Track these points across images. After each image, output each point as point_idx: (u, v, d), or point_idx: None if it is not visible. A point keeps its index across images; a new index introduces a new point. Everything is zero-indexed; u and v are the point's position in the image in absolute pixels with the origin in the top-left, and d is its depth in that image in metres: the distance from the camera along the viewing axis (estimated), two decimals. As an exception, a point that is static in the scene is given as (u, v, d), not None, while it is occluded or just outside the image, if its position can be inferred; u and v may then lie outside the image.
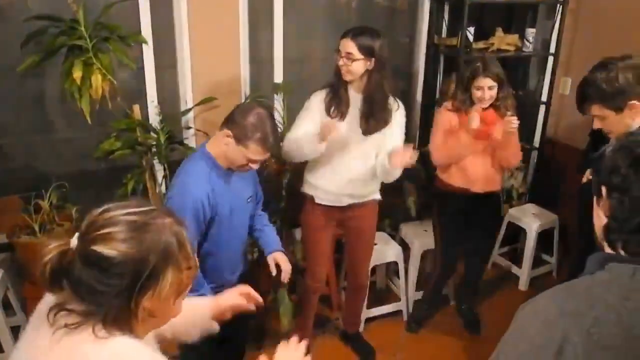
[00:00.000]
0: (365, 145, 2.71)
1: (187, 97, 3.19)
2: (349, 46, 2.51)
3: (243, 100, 3.27)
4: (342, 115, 2.62)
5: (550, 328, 1.08)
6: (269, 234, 2.53)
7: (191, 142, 3.25)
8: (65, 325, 1.09)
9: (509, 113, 2.94)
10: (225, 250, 2.32)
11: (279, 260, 2.45)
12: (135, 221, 1.10)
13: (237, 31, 3.19)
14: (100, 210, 1.13)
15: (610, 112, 2.07)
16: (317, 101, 2.67)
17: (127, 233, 1.09)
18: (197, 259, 1.23)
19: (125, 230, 1.09)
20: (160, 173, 3.16)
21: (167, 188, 3.10)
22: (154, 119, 3.12)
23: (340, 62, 2.55)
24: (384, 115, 2.65)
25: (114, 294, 1.07)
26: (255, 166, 2.19)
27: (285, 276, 2.46)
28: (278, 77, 3.44)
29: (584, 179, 3.24)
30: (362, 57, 2.51)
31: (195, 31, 3.08)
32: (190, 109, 3.15)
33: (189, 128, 3.22)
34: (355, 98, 2.63)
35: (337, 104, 2.62)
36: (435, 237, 3.38)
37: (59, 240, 1.11)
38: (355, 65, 2.52)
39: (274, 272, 2.45)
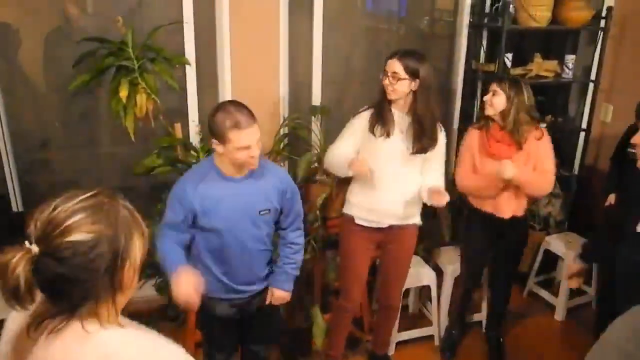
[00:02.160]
0: (407, 167, 2.73)
1: (227, 117, 3.27)
2: (395, 66, 2.57)
3: (281, 122, 3.34)
4: (387, 134, 2.66)
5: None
6: (280, 274, 2.50)
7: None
8: (51, 331, 1.11)
9: (522, 140, 2.89)
10: (234, 258, 2.33)
11: (275, 294, 2.49)
12: (90, 205, 1.12)
13: (277, 53, 3.28)
14: (49, 209, 1.11)
15: None
16: (361, 120, 2.72)
17: (91, 217, 1.11)
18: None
19: (88, 214, 1.11)
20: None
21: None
22: (195, 138, 3.21)
23: (386, 82, 2.60)
24: (433, 137, 2.69)
25: (99, 276, 1.09)
26: (253, 151, 2.13)
27: (269, 302, 2.51)
28: (316, 99, 3.51)
29: (607, 203, 3.21)
30: (407, 77, 2.56)
31: (236, 53, 3.17)
32: (229, 129, 3.24)
33: (227, 147, 3.29)
34: (399, 117, 2.67)
35: (382, 123, 2.66)
36: (461, 257, 3.38)
37: (11, 253, 1.06)
38: (400, 84, 2.57)
39: (267, 302, 2.50)
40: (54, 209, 1.11)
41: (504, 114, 2.90)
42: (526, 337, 3.63)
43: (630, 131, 3.07)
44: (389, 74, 2.59)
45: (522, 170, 2.89)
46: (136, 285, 1.23)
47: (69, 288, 1.09)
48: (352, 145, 2.73)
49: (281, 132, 3.30)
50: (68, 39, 3.07)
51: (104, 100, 3.07)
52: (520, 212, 3.08)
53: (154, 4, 3.24)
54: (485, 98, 2.94)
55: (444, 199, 2.60)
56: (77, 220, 1.09)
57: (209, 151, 3.12)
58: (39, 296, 1.12)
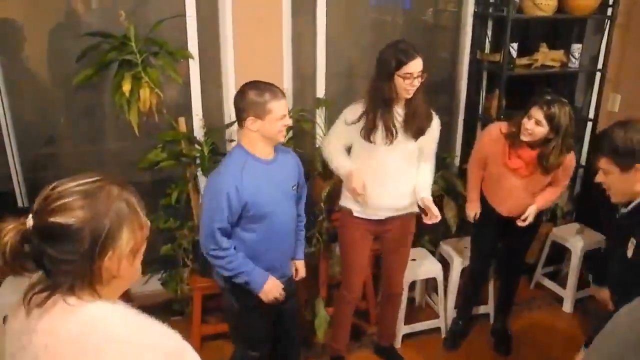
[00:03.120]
0: (406, 160, 2.72)
1: (231, 110, 3.25)
2: (420, 63, 2.51)
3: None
4: (392, 137, 2.61)
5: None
6: (300, 246, 2.66)
7: (234, 154, 3.32)
8: (38, 305, 1.14)
9: (549, 169, 2.85)
10: (277, 242, 2.40)
11: (299, 267, 2.66)
12: (86, 190, 1.16)
13: (281, 46, 3.26)
14: (50, 186, 1.17)
15: (615, 168, 2.05)
16: (354, 113, 2.66)
17: (81, 201, 1.14)
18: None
19: (78, 198, 1.14)
20: (203, 184, 3.24)
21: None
22: (199, 132, 3.21)
23: (415, 83, 2.51)
24: (428, 116, 2.68)
25: (77, 259, 1.12)
26: (288, 121, 2.28)
27: (299, 278, 2.68)
28: (320, 92, 3.49)
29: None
30: (423, 72, 2.55)
31: (240, 46, 3.16)
32: (233, 122, 3.21)
33: (232, 141, 3.29)
34: (399, 115, 2.64)
35: (386, 130, 2.60)
36: (471, 248, 3.39)
37: (13, 222, 1.14)
38: (419, 81, 2.55)
39: (295, 276, 2.64)
40: (54, 188, 1.16)
41: (542, 144, 2.80)
42: (533, 329, 3.62)
43: None
44: (415, 75, 2.50)
45: (540, 202, 2.98)
46: (131, 277, 1.24)
47: (51, 265, 1.13)
48: (345, 142, 2.76)
49: (285, 125, 3.30)
50: (72, 34, 3.07)
51: (108, 95, 3.06)
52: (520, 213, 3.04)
53: (157, -2, 3.24)
54: (527, 126, 2.75)
55: (435, 219, 2.66)
56: (66, 202, 1.13)
57: (213, 144, 3.12)
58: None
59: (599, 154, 2.11)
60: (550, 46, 3.78)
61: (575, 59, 3.79)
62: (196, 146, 3.14)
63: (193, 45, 3.13)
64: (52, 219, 1.12)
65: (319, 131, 3.39)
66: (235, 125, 3.20)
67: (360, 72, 3.77)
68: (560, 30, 4.04)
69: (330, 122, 3.35)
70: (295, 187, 2.45)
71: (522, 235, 3.18)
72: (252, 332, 2.53)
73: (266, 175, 2.29)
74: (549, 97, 2.75)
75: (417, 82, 2.52)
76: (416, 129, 2.64)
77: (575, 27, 4.01)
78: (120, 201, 1.18)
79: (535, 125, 2.74)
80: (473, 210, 3.16)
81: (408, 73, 2.49)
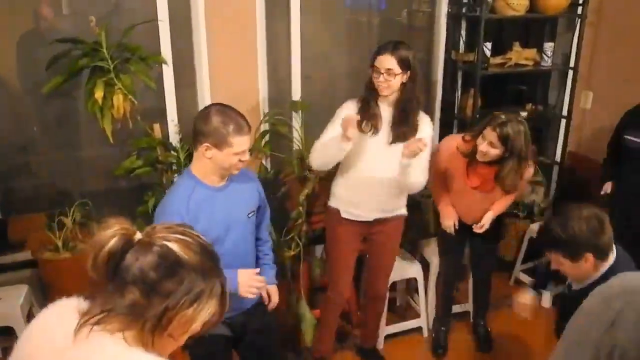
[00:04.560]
0: (394, 159, 2.72)
1: (207, 115, 3.24)
2: (390, 62, 2.51)
3: (262, 118, 3.31)
4: (375, 129, 2.64)
5: (608, 302, 1.16)
6: (268, 270, 2.48)
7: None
8: (97, 322, 1.08)
9: (505, 190, 2.87)
10: (234, 257, 2.25)
11: (272, 293, 2.46)
12: (203, 244, 1.17)
13: (255, 49, 3.25)
14: (177, 223, 1.20)
15: (565, 260, 2.01)
16: (347, 109, 2.69)
17: (199, 249, 1.15)
18: None
19: (198, 247, 1.15)
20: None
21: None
22: (174, 138, 3.17)
23: (381, 79, 2.54)
24: (414, 124, 2.67)
25: (160, 292, 1.09)
26: (246, 157, 2.12)
27: (272, 307, 2.48)
28: (296, 95, 3.48)
29: (603, 192, 3.23)
30: (401, 71, 2.53)
31: (214, 50, 3.14)
32: (209, 127, 3.20)
33: (208, 146, 3.26)
34: (386, 111, 2.65)
35: (370, 119, 2.63)
36: (438, 250, 3.40)
37: (117, 225, 1.11)
38: (396, 80, 2.54)
39: (266, 302, 2.45)
40: (180, 225, 1.20)
41: (499, 162, 2.79)
42: (513, 325, 3.65)
43: (629, 116, 3.09)
44: (382, 71, 2.53)
45: (496, 208, 3.01)
46: (175, 346, 1.19)
47: (127, 282, 1.09)
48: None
49: (262, 129, 3.28)
50: (42, 41, 3.02)
51: (81, 102, 3.02)
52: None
53: (129, 3, 3.20)
54: (483, 148, 2.74)
55: (416, 143, 2.47)
56: (188, 241, 1.15)
57: (189, 151, 3.09)
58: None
59: (546, 249, 2.08)
60: (523, 45, 3.82)
61: (548, 57, 3.84)
62: (172, 152, 3.11)
63: (166, 51, 3.09)
64: (169, 244, 1.11)
65: (295, 134, 3.38)
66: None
67: (336, 74, 3.77)
68: (533, 29, 4.09)
69: (306, 124, 3.35)
70: (252, 213, 2.31)
71: (489, 236, 3.18)
72: None
73: (213, 203, 2.15)
74: (503, 117, 2.71)
75: (384, 79, 2.53)
76: (398, 134, 2.65)
77: (547, 26, 4.06)
78: (221, 282, 1.18)
79: (489, 146, 2.72)
80: (451, 218, 3.06)
81: (375, 66, 2.54)
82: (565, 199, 4.22)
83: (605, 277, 1.95)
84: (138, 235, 1.13)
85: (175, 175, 3.12)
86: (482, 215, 3.02)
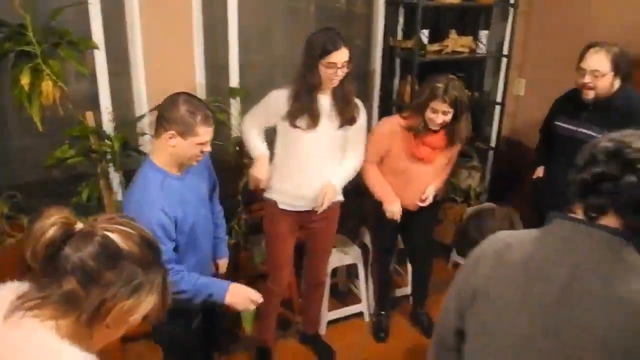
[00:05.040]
0: (333, 150, 2.73)
1: (142, 103, 3.15)
2: (345, 54, 2.52)
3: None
4: (315, 124, 2.62)
5: (475, 253, 1.47)
6: (223, 245, 2.58)
7: (147, 148, 3.21)
8: (31, 308, 1.08)
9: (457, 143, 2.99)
10: (200, 250, 2.30)
11: (220, 264, 2.62)
12: (146, 237, 1.17)
13: (191, 35, 3.18)
14: (119, 214, 1.20)
15: None
16: (277, 101, 2.65)
17: (139, 241, 1.14)
18: None
19: (140, 239, 1.14)
20: (115, 180, 3.12)
21: (123, 196, 3.06)
22: (108, 126, 3.07)
23: (339, 73, 2.52)
24: (353, 108, 2.70)
25: (99, 282, 1.08)
26: (208, 148, 2.12)
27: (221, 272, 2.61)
28: (234, 82, 3.43)
29: (535, 175, 3.34)
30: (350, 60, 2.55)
31: (148, 36, 3.05)
32: (143, 115, 3.12)
33: (144, 134, 3.18)
34: (324, 101, 2.64)
35: (309, 115, 2.60)
36: (370, 239, 3.41)
37: (59, 214, 1.10)
38: (347, 69, 2.55)
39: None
40: (123, 216, 1.19)
41: (452, 125, 2.87)
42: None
43: (559, 102, 3.19)
44: (339, 65, 2.50)
45: (437, 182, 3.09)
46: (115, 336, 1.19)
47: (65, 272, 1.08)
48: (263, 121, 2.75)
49: (199, 117, 3.22)
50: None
51: (7, 89, 2.87)
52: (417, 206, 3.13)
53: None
54: (437, 119, 2.79)
55: (318, 206, 2.71)
56: (129, 232, 1.13)
57: (124, 139, 3.00)
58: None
59: (465, 253, 2.15)
60: (459, 32, 3.89)
61: (483, 44, 3.93)
62: (106, 141, 3.00)
63: (98, 35, 2.98)
64: (110, 234, 1.10)
65: (234, 121, 3.33)
66: (147, 118, 3.14)
67: (274, 61, 3.74)
68: (469, 17, 4.16)
69: (244, 111, 3.30)
70: (208, 191, 2.36)
71: (424, 223, 3.24)
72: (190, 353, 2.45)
73: (183, 191, 2.15)
74: (441, 85, 2.76)
75: (340, 72, 2.53)
76: (347, 118, 2.66)
77: (482, 14, 4.14)
78: (163, 276, 1.18)
79: (443, 116, 2.79)
80: (396, 203, 3.04)
81: (332, 62, 2.50)
82: (500, 183, 4.35)
83: None
84: (79, 225, 1.12)
85: (110, 164, 3.03)
86: (419, 196, 3.07)
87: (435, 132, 2.89)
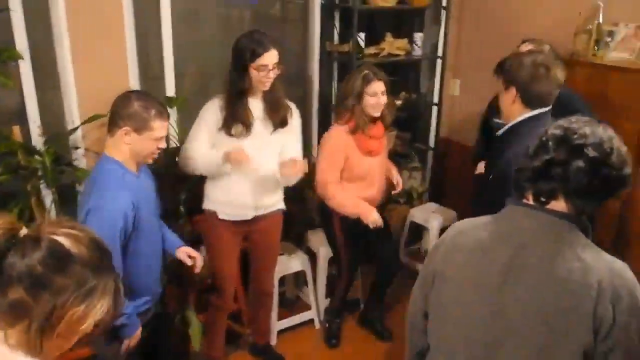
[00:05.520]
0: (267, 155, 2.68)
1: (73, 115, 3.00)
2: (275, 56, 2.49)
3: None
4: (248, 130, 2.57)
5: (439, 238, 1.63)
6: (169, 234, 2.47)
7: (81, 163, 3.06)
8: None
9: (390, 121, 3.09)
10: (154, 254, 2.25)
11: (190, 252, 2.42)
12: (96, 241, 1.12)
13: (124, 44, 3.05)
14: (66, 218, 1.14)
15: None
16: (211, 113, 2.60)
17: (90, 245, 1.10)
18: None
19: (89, 242, 1.10)
20: (48, 198, 2.95)
21: (57, 213, 2.91)
22: (37, 141, 2.91)
23: (271, 75, 2.50)
24: (285, 110, 2.68)
25: (48, 288, 1.02)
26: (164, 144, 2.14)
27: (199, 266, 2.45)
28: (170, 91, 3.33)
29: (477, 171, 3.40)
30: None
31: (78, 45, 2.90)
32: (76, 128, 2.97)
33: (77, 148, 3.03)
34: (255, 106, 2.60)
35: (241, 122, 2.55)
36: (335, 247, 3.34)
37: (7, 218, 1.05)
38: (276, 72, 2.52)
39: (189, 263, 2.41)
40: (69, 220, 1.13)
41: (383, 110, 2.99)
42: (403, 308, 3.73)
43: (495, 101, 3.26)
44: (270, 67, 2.48)
45: (393, 169, 3.16)
46: (67, 346, 1.11)
47: (10, 281, 1.01)
48: (208, 138, 2.63)
49: (136, 127, 3.10)
50: None
51: None
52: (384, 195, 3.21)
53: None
54: (380, 101, 2.92)
55: (296, 166, 2.55)
56: (79, 235, 1.09)
57: (55, 154, 2.85)
58: None
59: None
60: (395, 35, 3.93)
61: (418, 47, 3.99)
62: (36, 157, 2.84)
63: (22, 45, 2.82)
64: (58, 238, 1.05)
65: (172, 131, 3.23)
66: (80, 131, 3.00)
67: (210, 69, 3.66)
68: (403, 20, 4.22)
69: (182, 121, 3.21)
70: (155, 193, 2.32)
71: (383, 231, 3.23)
72: None
73: (140, 188, 2.12)
74: (367, 70, 2.95)
75: (272, 74, 2.50)
76: (279, 120, 2.64)
77: (416, 17, 4.20)
78: (114, 279, 1.13)
79: (383, 95, 2.92)
80: (374, 212, 3.00)
81: (262, 65, 2.46)
82: (440, 182, 4.42)
83: None
84: (24, 231, 1.06)
85: (41, 181, 2.87)
86: (379, 190, 3.13)
87: (374, 123, 2.98)
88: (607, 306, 1.30)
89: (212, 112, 2.60)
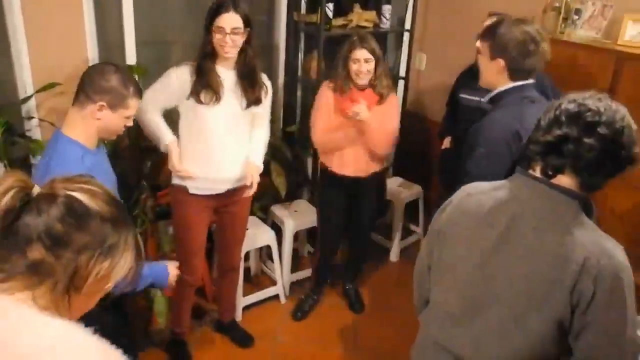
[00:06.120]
0: (239, 127, 2.61)
1: (26, 84, 2.84)
2: (236, 20, 2.37)
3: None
4: (217, 99, 2.48)
5: (448, 200, 1.69)
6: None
7: (35, 133, 2.91)
8: None
9: (384, 92, 2.99)
10: None
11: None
12: (110, 194, 1.09)
13: (81, 10, 2.88)
14: (78, 174, 1.10)
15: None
16: (180, 79, 2.49)
17: (107, 199, 1.06)
18: None
19: (106, 197, 1.06)
20: (0, 171, 2.81)
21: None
22: (-13, 116, 2.75)
23: (227, 39, 2.38)
24: (260, 88, 2.59)
25: (70, 246, 0.99)
26: (131, 122, 2.05)
27: None
28: (130, 59, 3.19)
29: (443, 146, 3.41)
30: (244, 29, 2.41)
31: (30, 10, 2.73)
32: (30, 97, 2.81)
33: (30, 118, 2.87)
34: (226, 75, 2.50)
35: (210, 88, 2.46)
36: (318, 219, 3.37)
37: (12, 178, 0.99)
38: (239, 39, 2.41)
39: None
40: (84, 175, 1.10)
41: (375, 75, 2.96)
42: (369, 283, 3.76)
43: (462, 76, 3.24)
44: (227, 31, 2.36)
45: (373, 119, 2.95)
46: (92, 304, 1.11)
47: (29, 241, 0.98)
48: (164, 101, 2.54)
49: (94, 97, 2.95)
50: None
51: None
52: (375, 168, 3.15)
53: None
54: (362, 68, 2.90)
55: (247, 192, 2.65)
56: (95, 190, 1.05)
57: (6, 125, 2.69)
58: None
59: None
60: (363, 7, 3.85)
61: (387, 19, 3.92)
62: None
63: (-32, 8, 2.64)
64: (69, 192, 1.01)
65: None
66: (34, 100, 2.84)
67: (171, 37, 3.52)
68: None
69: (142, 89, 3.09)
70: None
71: (370, 198, 3.26)
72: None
73: (100, 168, 2.01)
74: (356, 37, 2.96)
75: (230, 40, 2.39)
76: (254, 98, 2.56)
77: (384, -11, 4.12)
78: (133, 234, 1.10)
79: (366, 63, 2.89)
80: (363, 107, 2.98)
81: (219, 27, 2.37)
82: (406, 157, 4.41)
83: None
84: (37, 189, 1.02)
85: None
86: (361, 157, 3.08)
87: (362, 90, 2.95)
88: (588, 283, 1.34)
89: (181, 77, 2.49)
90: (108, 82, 1.92)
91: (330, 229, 3.34)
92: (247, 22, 2.41)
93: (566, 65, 3.06)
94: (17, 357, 0.90)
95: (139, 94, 2.03)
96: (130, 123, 2.05)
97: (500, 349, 1.46)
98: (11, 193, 0.98)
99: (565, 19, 3.24)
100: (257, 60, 2.56)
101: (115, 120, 1.98)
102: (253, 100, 2.55)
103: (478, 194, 1.58)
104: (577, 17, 3.22)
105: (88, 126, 1.94)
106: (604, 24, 3.15)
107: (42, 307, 0.99)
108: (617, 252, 1.38)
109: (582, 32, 3.19)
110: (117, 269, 1.06)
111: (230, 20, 2.36)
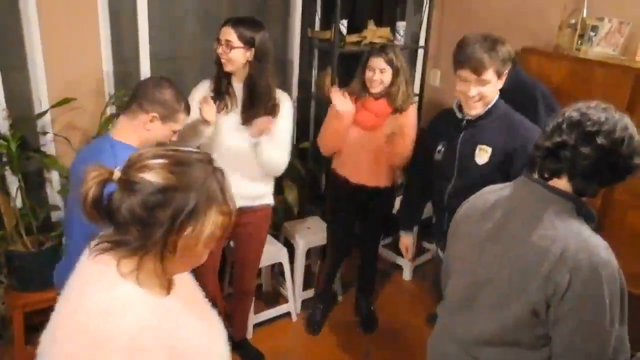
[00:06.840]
0: (243, 141, 2.59)
1: (42, 98, 2.85)
2: (229, 34, 2.43)
3: (107, 100, 2.99)
4: (226, 107, 2.53)
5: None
6: None
7: (50, 149, 2.92)
8: (102, 251, 1.14)
9: (399, 104, 2.92)
10: None
11: None
12: (180, 158, 1.14)
13: (97, 26, 2.91)
14: (140, 150, 1.16)
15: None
16: (197, 90, 2.60)
17: (172, 167, 1.12)
18: None
19: (170, 163, 1.12)
20: (14, 185, 2.81)
21: (23, 202, 2.78)
22: (3, 125, 2.76)
23: (220, 50, 2.46)
24: (267, 106, 2.54)
25: (153, 224, 1.09)
26: (176, 137, 2.11)
27: None
28: (145, 74, 3.20)
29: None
30: (241, 45, 2.43)
31: (48, 25, 2.76)
32: (45, 112, 2.82)
33: (45, 133, 2.89)
34: (239, 90, 2.54)
35: (220, 96, 2.54)
36: (327, 221, 3.38)
37: (99, 170, 1.13)
38: (234, 53, 2.44)
39: None
40: (144, 150, 1.16)
41: (389, 87, 2.91)
42: (381, 301, 3.71)
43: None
44: (222, 42, 2.45)
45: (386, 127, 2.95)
46: (197, 261, 1.21)
47: (125, 221, 1.11)
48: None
49: (108, 112, 2.96)
50: None
51: None
52: (380, 182, 3.10)
53: None
54: (375, 77, 2.87)
55: (264, 122, 2.45)
56: (157, 163, 1.12)
57: (21, 139, 2.70)
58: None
59: None
60: (377, 23, 3.84)
61: (401, 36, 3.91)
62: (1, 141, 2.70)
63: (-14, 24, 2.66)
64: (140, 175, 1.10)
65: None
66: (49, 115, 2.85)
67: (190, 53, 3.53)
68: (386, 8, 4.13)
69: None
70: None
71: (375, 214, 3.23)
72: None
73: None
74: (378, 47, 2.92)
75: (222, 50, 2.46)
76: (249, 116, 2.52)
77: (398, 6, 4.12)
78: (213, 180, 1.15)
79: (381, 73, 2.85)
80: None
81: (218, 38, 2.48)
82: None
83: None
84: (117, 174, 1.13)
85: (6, 168, 2.73)
86: (369, 168, 3.04)
87: (377, 99, 2.92)
88: (563, 273, 1.40)
89: (200, 89, 2.61)
90: (162, 95, 1.99)
91: (334, 229, 3.32)
92: (245, 41, 2.44)
93: (583, 82, 3.02)
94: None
95: (188, 110, 2.10)
96: (175, 137, 2.09)
97: (482, 329, 1.59)
98: (94, 187, 1.11)
99: (581, 36, 3.20)
100: (266, 82, 2.52)
101: (163, 133, 2.04)
102: (245, 118, 2.53)
103: (488, 192, 1.71)
104: (593, 33, 3.18)
105: (135, 135, 1.99)
106: (621, 40, 3.11)
107: (124, 274, 1.12)
108: (600, 250, 1.42)
109: (599, 49, 3.16)
110: (205, 224, 1.13)
111: (225, 32, 2.45)
